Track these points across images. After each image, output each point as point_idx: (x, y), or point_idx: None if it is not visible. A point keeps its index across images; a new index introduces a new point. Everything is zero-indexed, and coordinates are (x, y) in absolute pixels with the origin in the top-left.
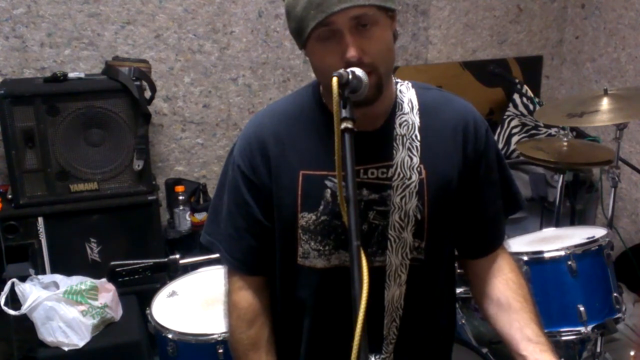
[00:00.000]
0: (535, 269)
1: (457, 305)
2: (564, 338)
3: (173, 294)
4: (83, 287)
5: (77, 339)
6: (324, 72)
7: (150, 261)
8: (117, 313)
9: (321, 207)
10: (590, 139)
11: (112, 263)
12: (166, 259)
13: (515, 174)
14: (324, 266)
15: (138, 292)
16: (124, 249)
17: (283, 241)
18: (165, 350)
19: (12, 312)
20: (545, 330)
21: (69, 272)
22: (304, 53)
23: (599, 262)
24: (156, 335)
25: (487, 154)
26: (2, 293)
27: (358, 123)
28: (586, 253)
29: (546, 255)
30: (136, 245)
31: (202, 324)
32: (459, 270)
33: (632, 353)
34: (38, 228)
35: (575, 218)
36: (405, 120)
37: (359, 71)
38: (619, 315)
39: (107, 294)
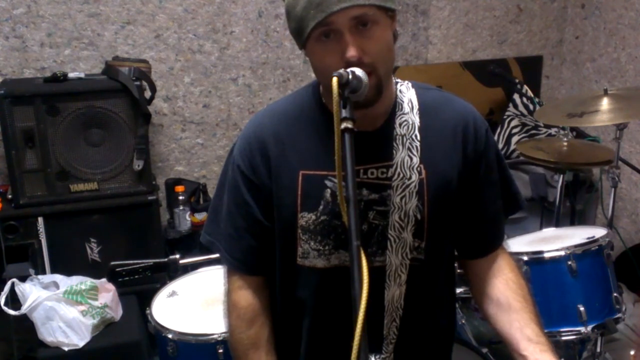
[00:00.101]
0: (535, 269)
1: (457, 305)
2: (564, 338)
3: (173, 294)
4: (83, 287)
5: (77, 339)
6: (324, 72)
7: (150, 261)
8: (117, 313)
9: (321, 207)
10: (590, 139)
11: (112, 263)
12: (166, 259)
13: (515, 174)
14: (323, 266)
15: (138, 292)
16: (124, 249)
17: (283, 241)
18: (165, 350)
19: (12, 312)
20: (545, 330)
21: (69, 272)
22: (304, 53)
23: (599, 262)
24: (156, 335)
25: (487, 154)
26: (2, 293)
27: (358, 123)
28: (586, 253)
29: (546, 255)
30: (136, 245)
31: (202, 324)
32: (459, 270)
33: (632, 353)
34: (38, 228)
35: (575, 218)
36: (405, 120)
37: (359, 71)
38: (619, 315)
39: (107, 294)
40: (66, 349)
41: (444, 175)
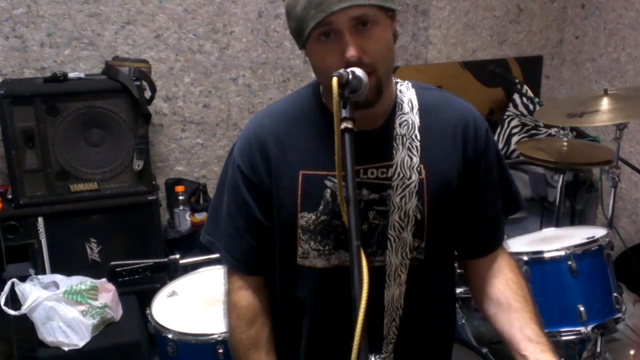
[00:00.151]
0: (535, 269)
1: (457, 305)
2: (564, 338)
3: (173, 294)
4: (83, 287)
5: (77, 339)
6: (324, 72)
7: (150, 261)
8: (117, 313)
9: (321, 207)
10: (590, 139)
11: (112, 263)
12: (166, 259)
13: (515, 174)
14: (323, 266)
15: (138, 292)
16: (124, 249)
17: (283, 241)
18: (165, 350)
19: (12, 312)
20: (545, 330)
21: (69, 272)
22: (304, 53)
23: (599, 262)
24: (156, 335)
25: (487, 154)
26: (2, 293)
27: (358, 123)
28: (586, 253)
29: (546, 255)
30: (136, 245)
31: (202, 324)
32: (459, 270)
33: (631, 352)
34: (38, 228)
35: (575, 218)
36: (405, 120)
37: (359, 71)
38: (619, 315)
39: (107, 294)
40: (66, 349)
41: (444, 175)
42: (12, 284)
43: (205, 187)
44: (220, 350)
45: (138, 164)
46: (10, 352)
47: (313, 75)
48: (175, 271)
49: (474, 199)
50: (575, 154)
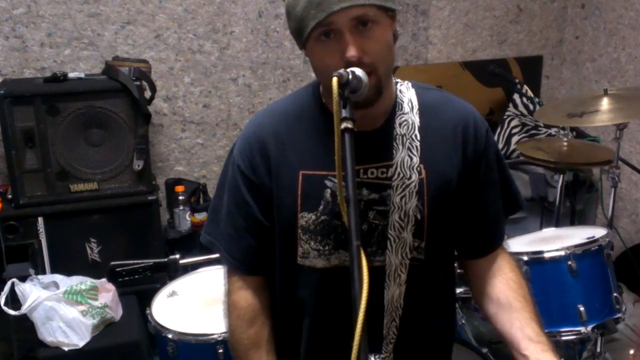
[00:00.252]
0: (535, 269)
1: (457, 305)
2: (564, 338)
3: (173, 294)
4: (83, 287)
5: (77, 339)
6: (324, 72)
7: (150, 261)
8: (117, 313)
9: (321, 207)
10: (590, 139)
11: (112, 263)
12: (166, 259)
13: (515, 174)
14: (323, 266)
15: (138, 292)
16: (124, 249)
17: (283, 241)
18: (165, 350)
19: (12, 312)
20: (545, 330)
21: (69, 272)
22: (304, 53)
23: (599, 262)
24: (156, 335)
25: (487, 155)
26: (2, 293)
27: (358, 123)
28: (586, 253)
29: (546, 255)
30: (136, 245)
31: (202, 324)
32: (459, 270)
33: (631, 352)
34: (38, 228)
35: (575, 218)
36: (405, 120)
37: (359, 71)
38: (619, 315)
39: (107, 294)
40: (66, 349)
41: (444, 175)
42: (12, 284)
43: (205, 187)
44: (220, 350)
45: (138, 164)
46: (10, 352)
47: (313, 75)
48: (175, 271)
49: (474, 199)
50: (575, 154)
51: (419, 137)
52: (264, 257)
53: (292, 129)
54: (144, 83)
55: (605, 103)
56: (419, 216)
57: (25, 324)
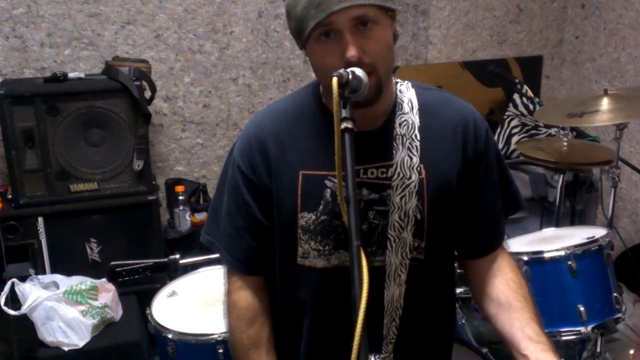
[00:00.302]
0: (535, 269)
1: (457, 305)
2: (564, 338)
3: (173, 294)
4: (83, 287)
5: (77, 339)
6: (324, 72)
7: (150, 261)
8: (117, 313)
9: (321, 207)
10: (590, 139)
11: (112, 263)
12: (166, 259)
13: (515, 174)
14: (323, 266)
15: (138, 292)
16: (124, 249)
17: (283, 241)
18: (165, 350)
19: (12, 312)
20: (545, 330)
21: (69, 272)
22: (304, 53)
23: (599, 262)
24: (156, 335)
25: (487, 155)
26: (2, 293)
27: (358, 123)
28: (586, 253)
29: (546, 255)
30: (136, 245)
31: (202, 324)
32: (459, 270)
33: (631, 352)
34: (38, 228)
35: (575, 218)
36: (405, 120)
37: (359, 71)
38: (619, 315)
39: (107, 294)
40: (66, 349)
41: (444, 175)
42: (12, 284)
43: (205, 187)
44: (220, 350)
45: (138, 164)
46: (10, 352)
47: (313, 75)
48: (175, 271)
49: (474, 199)
50: (575, 154)
51: (419, 137)
52: (264, 257)
53: (292, 129)
54: (144, 83)
55: (605, 103)
56: (418, 216)
57: (25, 324)
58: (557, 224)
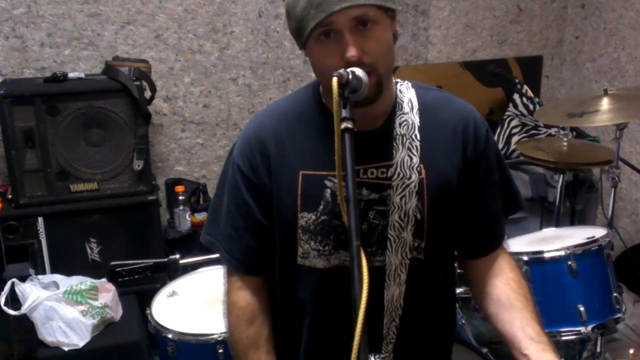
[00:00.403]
0: (535, 269)
1: (457, 305)
2: (564, 338)
3: (173, 294)
4: (83, 287)
5: (77, 339)
6: (324, 72)
7: (150, 261)
8: (117, 313)
9: (321, 207)
10: (590, 139)
11: (112, 263)
12: (166, 259)
13: (515, 174)
14: (323, 266)
15: (138, 292)
16: (124, 249)
17: (283, 241)
18: (165, 350)
19: (12, 312)
20: (546, 330)
21: (69, 272)
22: (304, 53)
23: (599, 262)
24: (156, 335)
25: (487, 155)
26: (2, 293)
27: (358, 123)
28: (586, 253)
29: (546, 255)
30: (136, 245)
31: (202, 324)
32: (459, 270)
33: (631, 352)
34: (38, 228)
35: (575, 218)
36: (405, 120)
37: (359, 71)
38: (619, 315)
39: (107, 294)
40: (66, 349)
41: (443, 175)
42: (12, 284)
43: (205, 187)
44: (220, 350)
45: (138, 164)
46: (10, 352)
47: (313, 75)
48: (175, 271)
49: (474, 199)
50: (575, 154)
51: (418, 137)
52: (264, 257)
53: (292, 129)
54: (144, 83)
55: (605, 103)
56: (418, 216)
57: (25, 324)
58: (557, 224)
